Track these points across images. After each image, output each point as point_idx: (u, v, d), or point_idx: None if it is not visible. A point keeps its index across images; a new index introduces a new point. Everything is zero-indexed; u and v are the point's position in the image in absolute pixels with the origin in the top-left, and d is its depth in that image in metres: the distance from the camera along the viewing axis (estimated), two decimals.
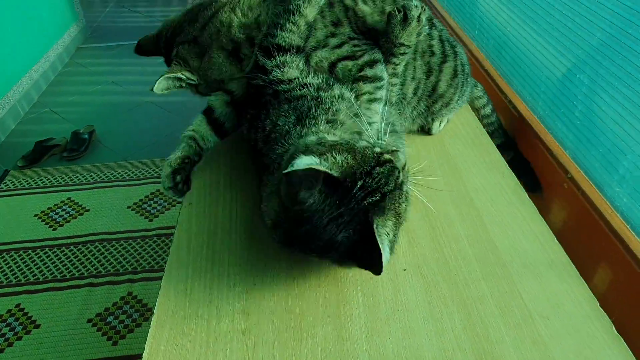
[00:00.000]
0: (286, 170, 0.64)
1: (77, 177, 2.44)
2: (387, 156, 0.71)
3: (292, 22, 0.86)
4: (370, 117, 0.89)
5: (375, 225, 0.66)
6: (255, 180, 0.95)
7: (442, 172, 1.00)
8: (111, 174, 2.45)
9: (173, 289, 0.76)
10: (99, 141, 2.71)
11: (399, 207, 0.72)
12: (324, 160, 0.67)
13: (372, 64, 0.93)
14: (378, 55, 0.94)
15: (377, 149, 0.72)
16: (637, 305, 0.81)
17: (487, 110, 1.21)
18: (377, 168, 0.69)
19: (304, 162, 0.64)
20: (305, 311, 0.73)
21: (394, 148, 0.76)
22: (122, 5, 4.61)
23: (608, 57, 0.91)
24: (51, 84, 3.28)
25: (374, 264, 0.66)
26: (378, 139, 0.78)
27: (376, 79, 0.92)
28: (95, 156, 2.60)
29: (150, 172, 2.46)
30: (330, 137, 0.75)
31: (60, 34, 3.57)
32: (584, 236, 0.97)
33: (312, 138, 0.75)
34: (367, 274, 0.78)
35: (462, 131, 1.13)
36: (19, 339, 1.67)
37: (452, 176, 0.99)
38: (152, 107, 2.99)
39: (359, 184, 0.67)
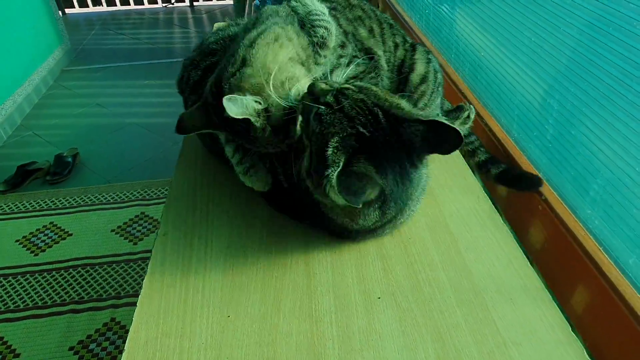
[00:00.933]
0: None
1: (60, 200, 2.41)
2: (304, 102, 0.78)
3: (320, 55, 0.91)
4: None
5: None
6: (232, 213, 0.96)
7: None
8: (95, 197, 2.43)
9: (145, 323, 0.75)
10: (83, 164, 2.69)
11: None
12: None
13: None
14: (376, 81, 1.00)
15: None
16: (611, 328, 0.82)
17: (464, 131, 1.23)
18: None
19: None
20: (278, 344, 0.72)
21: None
22: (108, 28, 4.63)
23: (574, 83, 0.93)
24: (35, 107, 3.27)
25: None
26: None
27: None
28: (79, 179, 2.58)
29: (134, 195, 2.45)
30: None
31: (44, 56, 3.57)
32: (560, 259, 0.97)
33: None
34: (342, 303, 0.78)
35: (438, 155, 1.14)
36: None
37: (428, 200, 1.00)
38: (136, 129, 2.99)
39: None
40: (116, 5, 5.14)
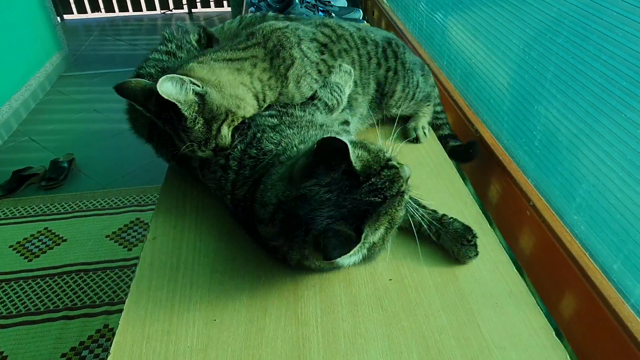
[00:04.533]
0: (322, 139, 0.69)
1: (55, 206, 2.41)
2: (394, 162, 0.76)
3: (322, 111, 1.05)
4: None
5: (365, 227, 0.69)
6: (221, 217, 0.96)
7: None
8: (90, 203, 2.43)
9: (131, 326, 0.75)
10: (79, 169, 2.70)
11: (395, 213, 0.74)
12: (354, 148, 0.73)
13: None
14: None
15: (387, 154, 0.77)
16: (596, 332, 0.82)
17: (439, 108, 1.36)
18: (385, 170, 0.73)
19: (344, 141, 0.68)
20: (264, 347, 0.72)
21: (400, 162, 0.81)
22: (106, 34, 4.65)
23: (561, 90, 0.94)
24: (32, 112, 3.28)
25: (327, 254, 0.67)
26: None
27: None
28: (74, 185, 2.58)
29: (130, 201, 2.45)
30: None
31: (42, 62, 3.58)
32: (548, 265, 0.98)
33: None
34: (328, 306, 0.78)
35: (427, 160, 1.15)
36: None
37: None
38: (132, 135, 2.99)
39: (371, 180, 0.72)
40: (114, 12, 5.17)
